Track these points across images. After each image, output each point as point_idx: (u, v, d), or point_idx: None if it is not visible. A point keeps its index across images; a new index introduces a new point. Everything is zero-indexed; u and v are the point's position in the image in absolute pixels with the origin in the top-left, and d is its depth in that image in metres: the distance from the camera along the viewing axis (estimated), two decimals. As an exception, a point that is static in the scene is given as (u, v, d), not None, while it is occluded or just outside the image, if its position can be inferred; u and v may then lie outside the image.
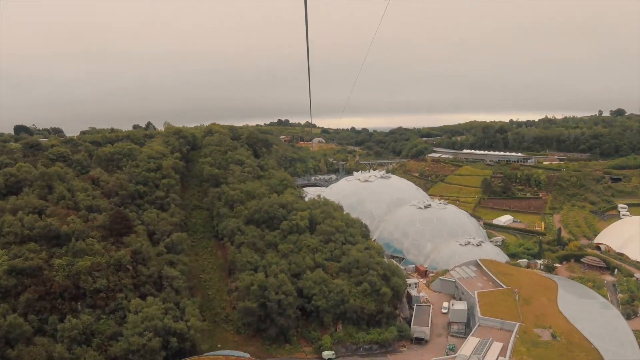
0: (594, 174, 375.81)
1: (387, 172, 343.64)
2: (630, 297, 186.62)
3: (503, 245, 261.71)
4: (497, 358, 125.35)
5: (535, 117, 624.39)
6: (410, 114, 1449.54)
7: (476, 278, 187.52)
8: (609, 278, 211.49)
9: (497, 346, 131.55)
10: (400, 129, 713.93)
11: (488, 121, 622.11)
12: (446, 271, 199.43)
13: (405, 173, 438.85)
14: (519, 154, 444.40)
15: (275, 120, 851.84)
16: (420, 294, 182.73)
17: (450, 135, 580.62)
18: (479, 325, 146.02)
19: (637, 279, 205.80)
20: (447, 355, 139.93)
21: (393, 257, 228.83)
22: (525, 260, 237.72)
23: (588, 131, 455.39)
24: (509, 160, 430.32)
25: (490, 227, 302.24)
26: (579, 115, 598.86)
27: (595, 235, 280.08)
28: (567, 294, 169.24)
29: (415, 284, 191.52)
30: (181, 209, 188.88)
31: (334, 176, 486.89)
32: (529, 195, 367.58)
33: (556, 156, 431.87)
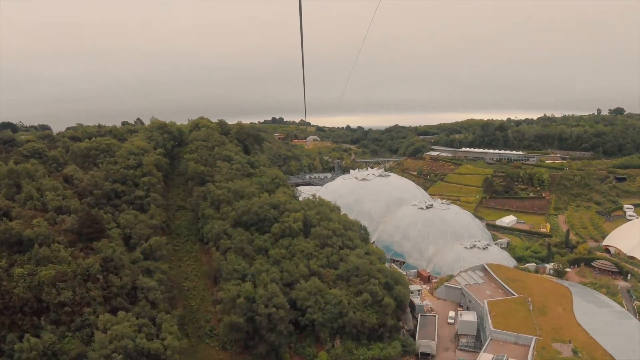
0: (598, 173, 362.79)
1: (385, 170, 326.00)
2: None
3: (508, 248, 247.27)
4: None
5: (534, 115, 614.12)
6: (406, 112, 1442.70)
7: (484, 285, 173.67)
8: (622, 283, 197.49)
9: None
10: (396, 126, 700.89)
11: (486, 119, 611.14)
12: (451, 277, 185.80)
13: (403, 172, 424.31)
14: (520, 153, 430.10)
15: (270, 119, 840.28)
16: (424, 302, 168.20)
17: (448, 133, 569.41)
18: (491, 339, 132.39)
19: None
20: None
21: (393, 260, 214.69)
22: (534, 264, 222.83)
23: (590, 129, 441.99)
24: (510, 159, 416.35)
25: (493, 229, 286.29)
26: (577, 114, 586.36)
27: (603, 237, 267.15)
28: (582, 303, 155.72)
29: (419, 291, 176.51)
30: (163, 210, 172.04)
31: (329, 175, 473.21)
32: (532, 194, 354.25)
33: (558, 155, 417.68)
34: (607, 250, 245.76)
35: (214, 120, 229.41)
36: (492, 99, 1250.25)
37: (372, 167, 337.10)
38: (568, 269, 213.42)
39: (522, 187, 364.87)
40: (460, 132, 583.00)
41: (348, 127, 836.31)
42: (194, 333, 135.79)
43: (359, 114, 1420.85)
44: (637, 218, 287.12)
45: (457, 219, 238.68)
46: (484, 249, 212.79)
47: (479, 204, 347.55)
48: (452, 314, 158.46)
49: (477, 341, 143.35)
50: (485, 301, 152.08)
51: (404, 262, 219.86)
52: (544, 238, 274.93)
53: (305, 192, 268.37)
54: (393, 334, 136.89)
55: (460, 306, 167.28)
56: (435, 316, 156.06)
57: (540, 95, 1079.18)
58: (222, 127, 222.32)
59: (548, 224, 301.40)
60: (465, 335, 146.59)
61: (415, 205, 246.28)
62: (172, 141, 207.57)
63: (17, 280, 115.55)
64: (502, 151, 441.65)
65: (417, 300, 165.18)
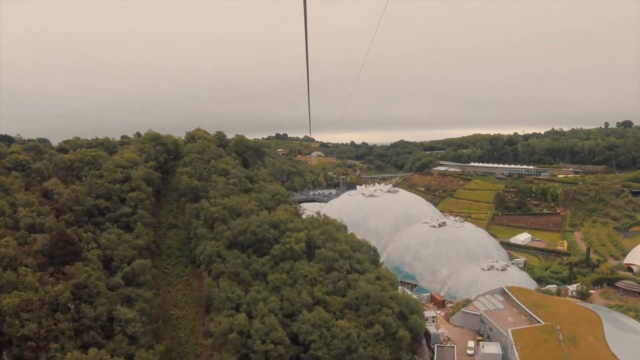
0: (612, 187, 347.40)
1: (394, 186, 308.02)
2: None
3: (526, 268, 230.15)
4: None
5: (541, 129, 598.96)
6: (410, 129, 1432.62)
7: (505, 310, 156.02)
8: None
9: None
10: (402, 142, 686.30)
11: (492, 134, 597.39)
12: (468, 301, 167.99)
13: (410, 187, 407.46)
14: (531, 167, 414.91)
15: (274, 135, 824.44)
16: (440, 331, 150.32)
17: (455, 148, 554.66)
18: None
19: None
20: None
21: (404, 283, 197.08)
22: (555, 285, 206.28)
23: (602, 142, 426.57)
24: (522, 174, 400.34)
25: (507, 247, 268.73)
26: (585, 127, 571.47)
27: (623, 255, 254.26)
28: (613, 330, 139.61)
29: (433, 318, 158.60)
30: (153, 229, 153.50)
31: (334, 191, 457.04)
32: (545, 210, 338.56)
33: (571, 169, 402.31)
34: (629, 268, 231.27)
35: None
36: (497, 114, 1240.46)
37: (378, 183, 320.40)
38: (592, 291, 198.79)
39: (535, 202, 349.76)
40: (467, 147, 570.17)
41: (352, 143, 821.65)
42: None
43: (363, 131, 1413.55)
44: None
45: (472, 237, 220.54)
46: (502, 270, 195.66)
47: (491, 220, 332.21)
48: (471, 344, 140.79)
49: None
50: (509, 330, 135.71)
51: (416, 285, 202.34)
52: (562, 257, 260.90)
53: (309, 209, 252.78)
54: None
55: (480, 335, 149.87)
56: (453, 347, 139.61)
57: (545, 110, 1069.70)
58: (220, 140, 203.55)
59: (565, 241, 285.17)
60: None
61: (426, 223, 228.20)
62: (165, 154, 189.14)
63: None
64: (513, 166, 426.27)
65: (432, 329, 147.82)
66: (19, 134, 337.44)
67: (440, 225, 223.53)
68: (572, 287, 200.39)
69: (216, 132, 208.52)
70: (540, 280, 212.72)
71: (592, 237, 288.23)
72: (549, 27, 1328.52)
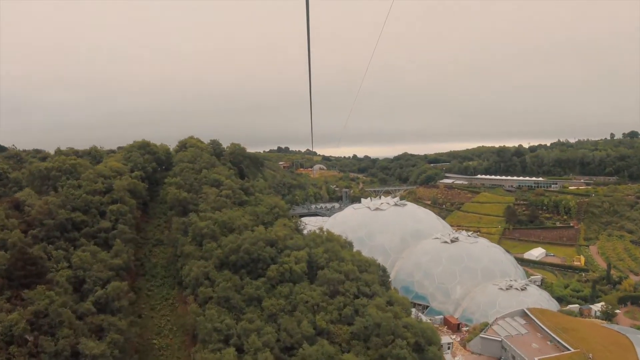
0: (626, 198, 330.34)
1: (401, 199, 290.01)
2: None
3: (544, 286, 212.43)
4: None
5: (546, 141, 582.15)
6: (413, 142, 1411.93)
7: (529, 335, 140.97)
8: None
9: None
10: (405, 154, 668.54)
11: (497, 146, 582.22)
12: (486, 325, 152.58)
13: (416, 201, 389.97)
14: (540, 179, 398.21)
15: (275, 148, 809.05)
16: (457, 359, 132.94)
17: (461, 161, 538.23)
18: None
19: None
20: None
21: (414, 304, 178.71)
22: (577, 305, 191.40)
23: (613, 153, 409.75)
24: (531, 186, 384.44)
25: (521, 263, 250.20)
26: (591, 138, 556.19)
27: None
28: None
29: (449, 344, 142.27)
30: (136, 246, 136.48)
31: (337, 204, 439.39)
32: (558, 224, 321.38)
33: (582, 180, 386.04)
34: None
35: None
36: (500, 126, 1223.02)
37: (385, 196, 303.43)
38: (617, 311, 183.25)
39: (548, 215, 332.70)
40: (472, 159, 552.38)
41: (355, 156, 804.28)
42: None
43: (365, 145, 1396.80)
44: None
45: (487, 254, 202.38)
46: (522, 290, 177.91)
47: (502, 235, 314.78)
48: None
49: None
50: (535, 359, 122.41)
51: (428, 307, 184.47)
52: (579, 273, 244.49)
53: (311, 223, 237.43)
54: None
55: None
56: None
57: (550, 122, 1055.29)
58: (215, 149, 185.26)
59: (582, 256, 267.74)
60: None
61: (437, 238, 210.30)
62: (154, 163, 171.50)
63: None
64: (522, 178, 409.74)
65: (448, 357, 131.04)
66: (13, 144, 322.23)
67: (452, 241, 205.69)
68: (597, 307, 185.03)
69: (211, 140, 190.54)
70: (560, 300, 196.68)
71: (609, 252, 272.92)
72: (552, 39, 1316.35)
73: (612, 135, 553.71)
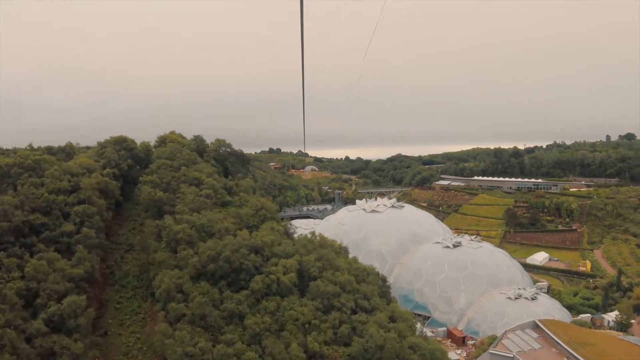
0: (629, 201, 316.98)
1: (398, 200, 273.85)
2: None
3: (551, 294, 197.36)
4: None
5: (542, 143, 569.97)
6: (405, 145, 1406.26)
7: (543, 351, 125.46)
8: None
9: None
10: (399, 156, 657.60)
11: (492, 147, 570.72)
12: (495, 338, 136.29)
13: (411, 202, 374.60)
14: (540, 180, 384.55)
15: (267, 149, 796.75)
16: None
17: (456, 162, 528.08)
18: None
19: None
20: None
21: (414, 314, 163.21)
22: (588, 315, 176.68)
23: (614, 154, 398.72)
24: (531, 188, 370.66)
25: (524, 268, 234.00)
26: (588, 140, 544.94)
27: None
28: None
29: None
30: (105, 252, 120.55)
31: (329, 206, 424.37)
32: (560, 227, 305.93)
33: (583, 182, 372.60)
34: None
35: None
36: (495, 128, 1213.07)
37: (380, 197, 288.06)
38: (633, 321, 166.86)
39: (549, 218, 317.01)
40: (468, 160, 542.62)
41: (347, 158, 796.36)
42: None
43: (357, 147, 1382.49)
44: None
45: (493, 259, 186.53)
46: (532, 299, 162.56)
47: (503, 238, 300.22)
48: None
49: None
50: None
51: (429, 317, 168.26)
52: (587, 279, 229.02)
53: (302, 226, 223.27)
54: None
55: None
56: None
57: (544, 124, 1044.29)
58: (198, 145, 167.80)
59: (588, 261, 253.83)
60: None
61: (438, 243, 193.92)
62: (130, 160, 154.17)
63: None
64: (521, 179, 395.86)
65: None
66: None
67: (455, 246, 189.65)
68: (610, 317, 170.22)
69: (194, 136, 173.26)
70: (570, 309, 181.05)
71: (614, 256, 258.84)
72: (546, 42, 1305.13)
73: (608, 137, 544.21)
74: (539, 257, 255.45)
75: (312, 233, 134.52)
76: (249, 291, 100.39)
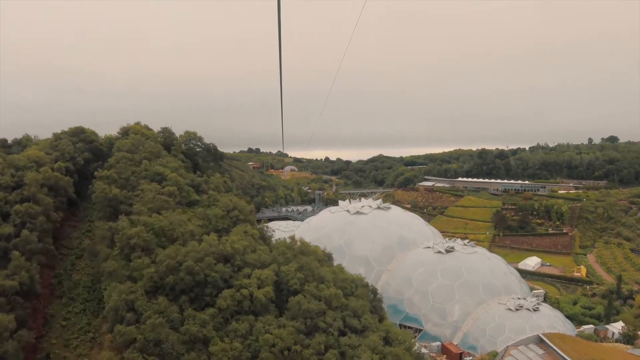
0: (619, 204, 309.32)
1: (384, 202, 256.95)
2: None
3: (548, 302, 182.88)
4: None
5: (525, 145, 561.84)
6: (387, 147, 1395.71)
7: None
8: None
9: None
10: (381, 156, 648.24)
11: (475, 149, 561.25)
12: (496, 355, 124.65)
13: (394, 204, 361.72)
14: (527, 182, 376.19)
15: (246, 149, 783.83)
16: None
17: (439, 163, 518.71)
18: None
19: None
20: None
21: (402, 326, 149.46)
22: (591, 326, 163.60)
23: (602, 156, 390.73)
24: (518, 189, 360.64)
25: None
26: (571, 142, 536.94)
27: None
28: None
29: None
30: (48, 259, 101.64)
31: (309, 207, 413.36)
32: (551, 230, 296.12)
33: (571, 184, 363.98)
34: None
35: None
36: (477, 131, 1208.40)
37: (365, 198, 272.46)
38: None
39: (539, 221, 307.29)
40: (450, 162, 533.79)
41: (327, 158, 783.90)
42: None
43: (337, 148, 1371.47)
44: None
45: (489, 266, 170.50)
46: (534, 310, 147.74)
47: (492, 242, 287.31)
48: None
49: None
50: None
51: (421, 330, 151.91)
52: (583, 285, 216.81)
53: (281, 228, 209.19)
54: None
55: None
56: None
57: (525, 126, 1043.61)
58: (166, 138, 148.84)
59: (582, 266, 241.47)
60: None
61: (429, 247, 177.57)
62: (88, 152, 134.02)
63: None
64: (508, 181, 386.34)
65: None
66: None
67: (447, 251, 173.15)
68: (615, 328, 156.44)
69: (162, 128, 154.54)
70: (571, 319, 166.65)
71: (609, 261, 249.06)
72: (527, 44, 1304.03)
73: (591, 140, 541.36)
74: (532, 262, 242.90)
75: (292, 237, 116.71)
76: (215, 309, 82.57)
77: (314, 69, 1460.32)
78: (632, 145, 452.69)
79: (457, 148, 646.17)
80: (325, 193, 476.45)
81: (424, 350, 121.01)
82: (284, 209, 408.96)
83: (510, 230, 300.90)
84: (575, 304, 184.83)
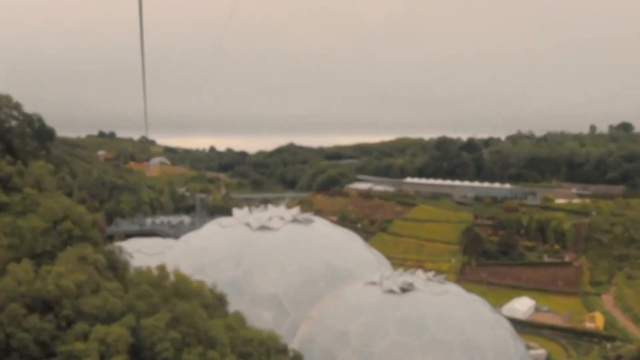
0: None
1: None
2: None
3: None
4: None
5: (500, 134, 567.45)
6: (297, 133, 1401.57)
7: None
8: None
9: None
10: (292, 146, 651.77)
11: (428, 138, 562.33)
12: None
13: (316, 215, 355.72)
14: (507, 186, 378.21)
15: (95, 133, 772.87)
16: None
17: (377, 157, 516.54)
18: None
19: None
20: None
21: None
22: None
23: (618, 150, 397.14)
24: (496, 197, 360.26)
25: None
26: (568, 131, 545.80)
27: None
28: None
29: None
30: None
31: (187, 218, 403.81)
32: (547, 258, 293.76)
33: (574, 189, 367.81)
34: None
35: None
36: (428, 114, 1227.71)
37: (272, 205, 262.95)
38: None
39: (529, 244, 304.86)
40: (393, 155, 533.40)
41: (213, 149, 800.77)
42: None
43: (228, 134, 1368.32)
44: None
45: (468, 314, 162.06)
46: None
47: (460, 275, 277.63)
48: None
49: None
50: None
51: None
52: (601, 342, 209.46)
53: (144, 250, 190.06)
54: None
55: None
56: None
57: (499, 109, 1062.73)
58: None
59: (597, 313, 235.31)
60: None
61: (375, 284, 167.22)
62: None
63: None
64: (481, 184, 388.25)
65: None
66: None
67: (403, 290, 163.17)
68: None
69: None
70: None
71: (634, 305, 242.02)
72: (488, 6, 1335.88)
73: (594, 127, 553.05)
74: (522, 306, 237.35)
75: (161, 267, 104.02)
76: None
77: (191, 19, 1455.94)
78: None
79: (403, 136, 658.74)
80: (211, 197, 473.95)
81: None
82: (149, 220, 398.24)
83: (488, 258, 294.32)
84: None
